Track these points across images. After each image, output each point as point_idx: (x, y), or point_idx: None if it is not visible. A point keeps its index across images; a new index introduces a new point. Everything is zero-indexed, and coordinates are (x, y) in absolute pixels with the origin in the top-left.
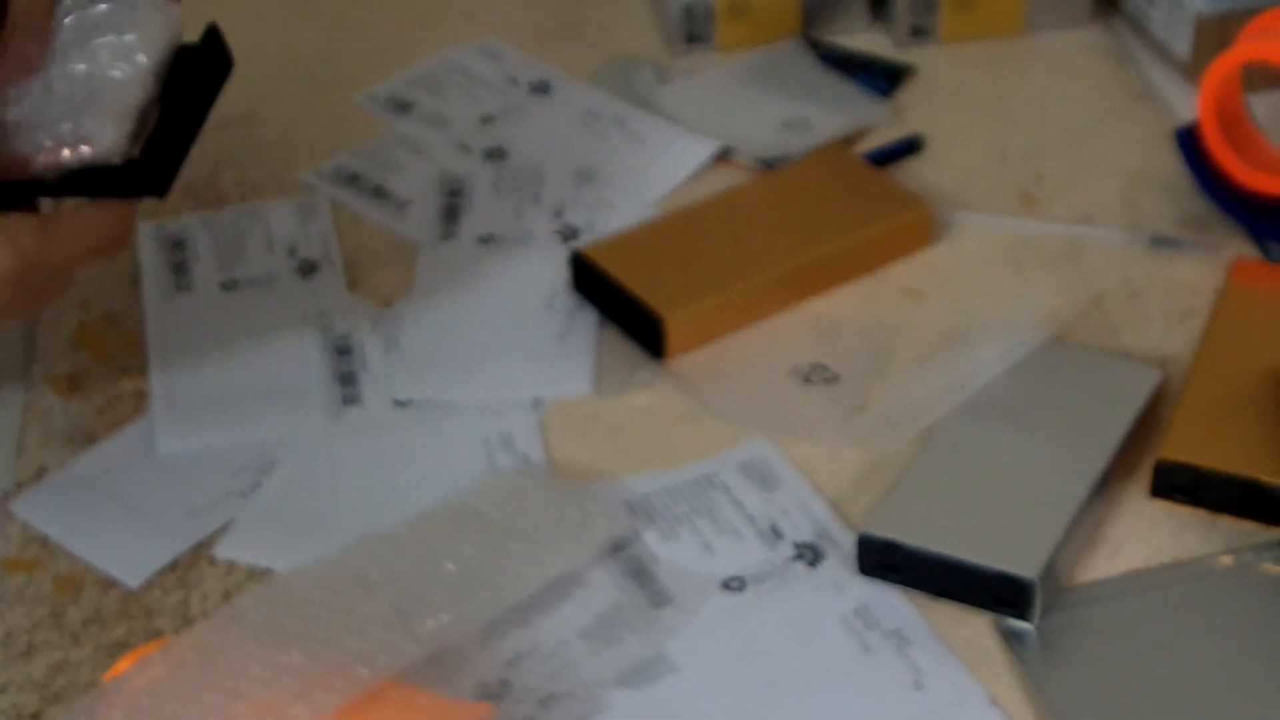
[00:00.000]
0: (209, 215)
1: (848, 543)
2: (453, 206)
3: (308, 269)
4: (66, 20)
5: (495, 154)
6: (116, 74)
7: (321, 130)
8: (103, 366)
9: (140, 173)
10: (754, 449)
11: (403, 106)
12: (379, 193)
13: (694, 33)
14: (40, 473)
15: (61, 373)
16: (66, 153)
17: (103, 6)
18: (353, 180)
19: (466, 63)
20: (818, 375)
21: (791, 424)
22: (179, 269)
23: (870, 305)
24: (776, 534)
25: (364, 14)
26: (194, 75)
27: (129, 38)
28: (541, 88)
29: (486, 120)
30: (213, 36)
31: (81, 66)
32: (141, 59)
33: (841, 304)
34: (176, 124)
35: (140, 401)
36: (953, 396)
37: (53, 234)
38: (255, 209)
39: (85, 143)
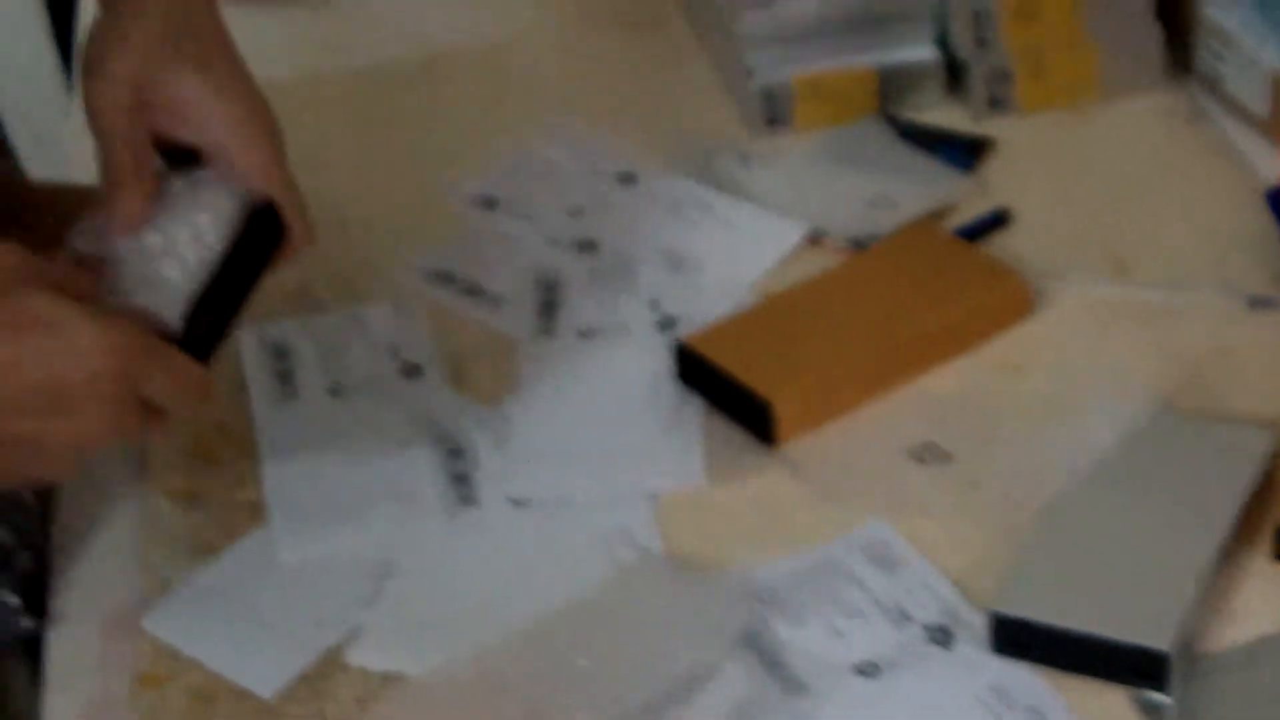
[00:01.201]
0: (309, 319)
1: (977, 621)
2: (549, 301)
3: (411, 370)
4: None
5: (586, 246)
6: (190, 257)
7: (412, 229)
8: (217, 477)
9: (188, 343)
10: (873, 531)
11: (490, 202)
12: (474, 291)
13: (773, 115)
14: (165, 585)
15: (178, 485)
16: (137, 322)
17: (180, 182)
18: (448, 279)
19: (550, 155)
20: (930, 454)
21: (908, 504)
22: (284, 376)
23: (975, 380)
24: (904, 616)
25: (446, 112)
26: (249, 245)
27: (204, 221)
28: (627, 178)
29: (574, 213)
30: (267, 210)
31: (157, 240)
32: (211, 242)
33: (946, 381)
34: (228, 295)
35: (257, 510)
36: (1066, 469)
37: (151, 356)
38: (354, 313)
39: (154, 316)
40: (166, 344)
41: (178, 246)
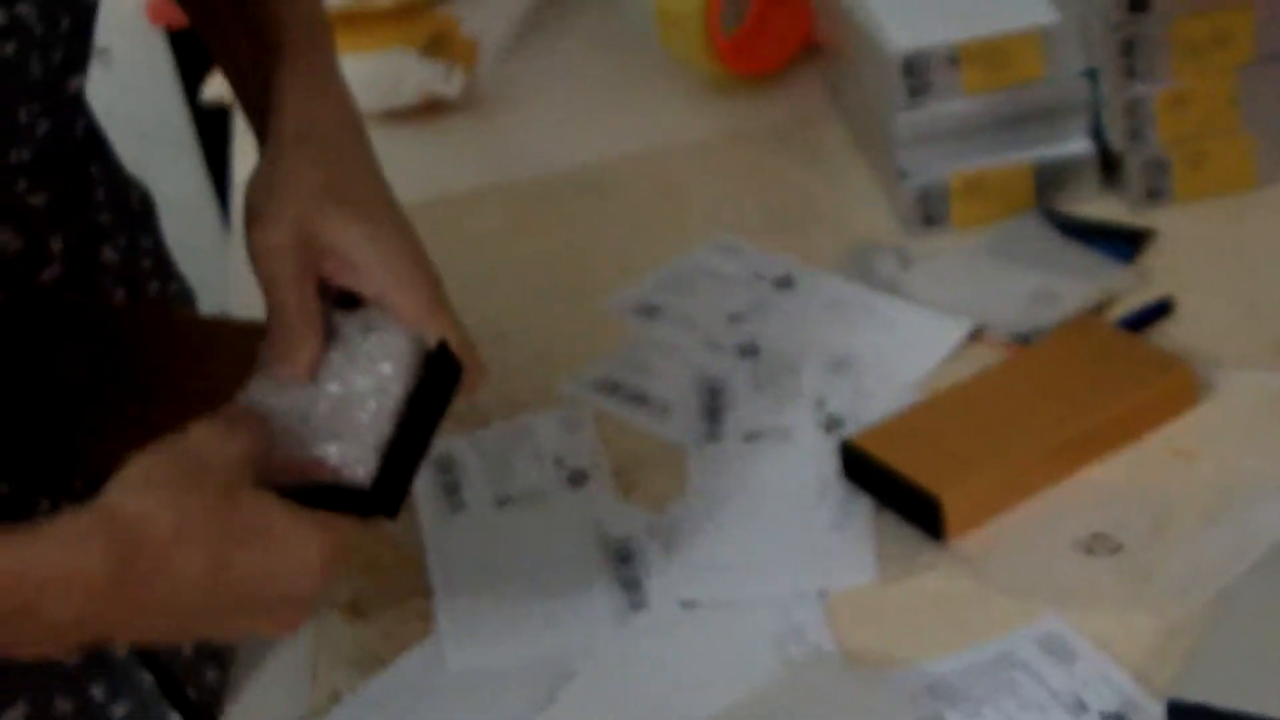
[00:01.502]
0: (474, 433)
1: (1155, 710)
2: (714, 407)
3: (578, 479)
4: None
5: (748, 350)
6: (374, 405)
7: (573, 339)
8: (386, 590)
9: (379, 497)
10: (1046, 623)
11: (650, 311)
12: (639, 399)
13: (930, 214)
14: (334, 697)
15: (346, 599)
16: (326, 474)
17: (351, 326)
18: (612, 388)
19: (708, 262)
20: (1100, 545)
21: (1080, 596)
22: (451, 489)
23: (1143, 470)
24: (1081, 706)
25: (601, 222)
26: (428, 390)
27: (386, 368)
28: (785, 281)
29: (735, 318)
30: (443, 353)
31: (337, 389)
32: (394, 389)
33: (1114, 471)
34: (412, 444)
35: (425, 623)
36: (1242, 557)
37: (329, 527)
38: (520, 424)
39: (345, 469)
40: (356, 525)
41: (361, 394)
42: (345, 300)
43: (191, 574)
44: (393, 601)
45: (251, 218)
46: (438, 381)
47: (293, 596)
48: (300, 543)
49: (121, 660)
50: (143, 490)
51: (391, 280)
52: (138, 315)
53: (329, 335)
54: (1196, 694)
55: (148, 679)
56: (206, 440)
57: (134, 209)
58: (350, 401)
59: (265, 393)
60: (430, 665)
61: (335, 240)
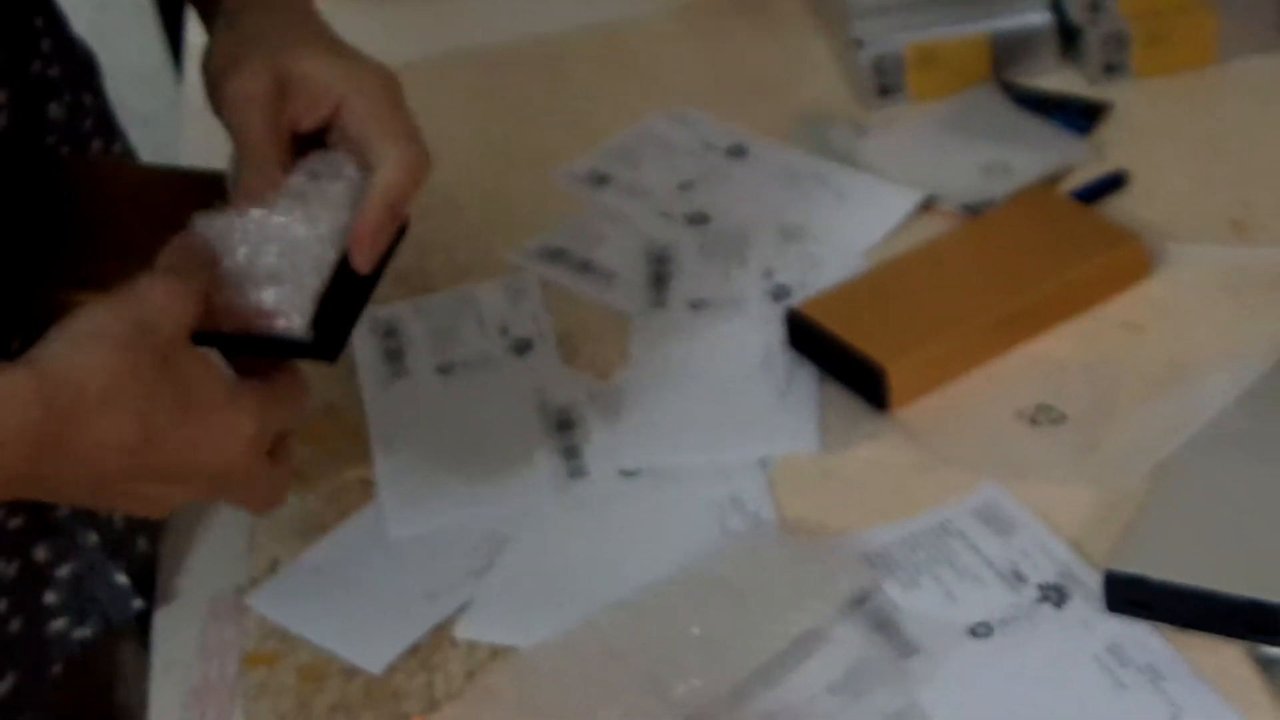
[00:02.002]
0: (419, 301)
1: (1092, 581)
2: (661, 275)
3: (522, 347)
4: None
5: (698, 219)
6: (316, 251)
7: (523, 209)
8: (327, 457)
9: (319, 344)
10: (986, 494)
11: (601, 179)
12: (586, 266)
13: (885, 85)
14: (273, 565)
15: None
16: (262, 322)
17: (304, 176)
18: (559, 256)
19: (660, 131)
20: (1044, 416)
21: (1022, 467)
22: (394, 356)
23: (1091, 342)
24: (1019, 577)
25: (553, 92)
26: None
27: (332, 215)
28: (737, 151)
29: (685, 186)
30: None
31: (284, 234)
32: (339, 239)
33: (1061, 343)
34: (353, 293)
35: (366, 489)
36: (1184, 429)
37: (266, 398)
38: (465, 292)
39: (282, 317)
40: (289, 375)
41: (305, 241)
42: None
43: (118, 439)
44: (333, 469)
45: (223, 70)
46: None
47: (219, 470)
48: (231, 416)
49: (65, 521)
50: (80, 347)
51: (359, 96)
52: (83, 166)
53: (289, 186)
54: (1134, 566)
55: (92, 538)
56: (153, 299)
57: (79, 66)
58: (294, 246)
59: (210, 229)
60: (370, 533)
61: (306, 69)
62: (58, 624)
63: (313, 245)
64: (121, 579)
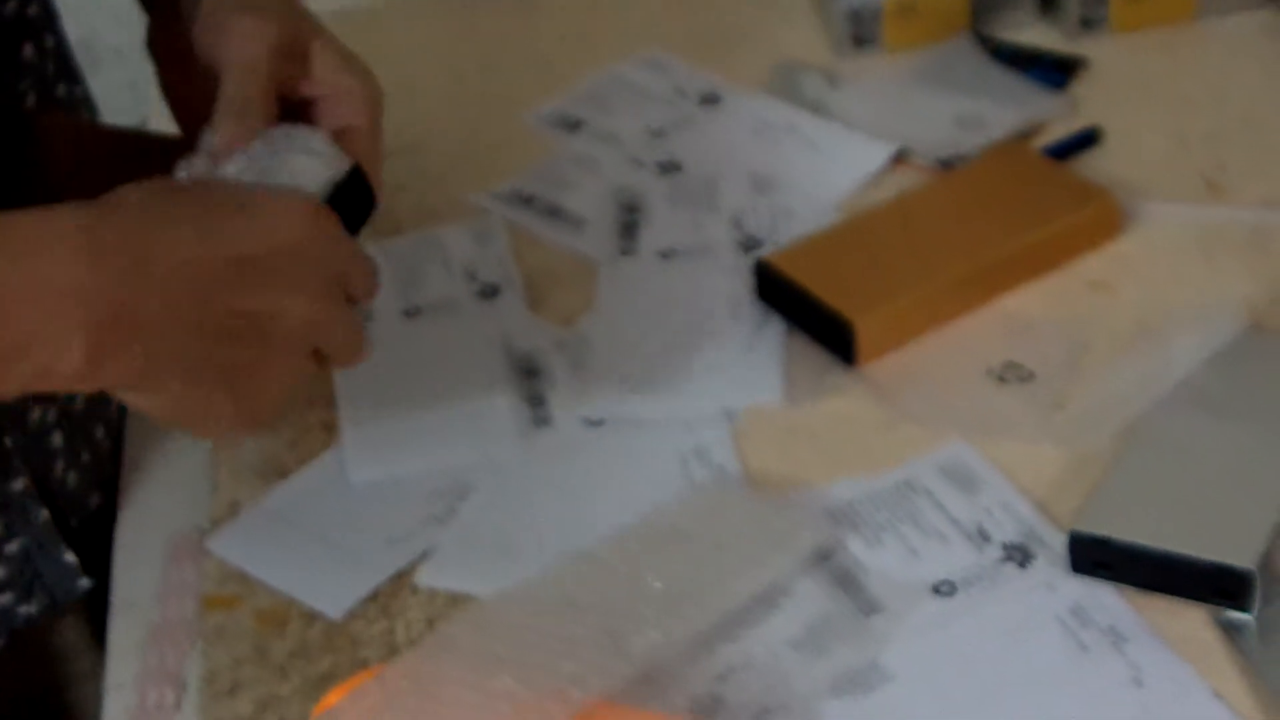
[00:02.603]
0: (386, 243)
1: (1057, 542)
2: (630, 222)
3: (488, 292)
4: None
5: (669, 167)
6: None
7: (492, 152)
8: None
9: None
10: (953, 451)
11: (572, 124)
12: (555, 212)
13: (861, 35)
14: (234, 508)
15: None
16: None
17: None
18: (528, 201)
19: (633, 77)
20: (1012, 374)
21: (989, 425)
22: None
23: (1061, 300)
24: (983, 536)
25: (526, 34)
26: (343, 205)
27: (302, 167)
28: (711, 98)
29: (657, 134)
30: (356, 176)
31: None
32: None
33: (1031, 301)
34: None
35: (329, 433)
36: (1152, 389)
37: (339, 235)
38: (432, 235)
39: None
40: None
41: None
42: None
43: (182, 251)
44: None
45: (239, 6)
46: (349, 205)
47: (277, 264)
48: (267, 203)
49: (18, 496)
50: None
51: (346, 88)
52: (49, 122)
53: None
54: (1098, 527)
55: (43, 514)
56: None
57: (48, 7)
58: None
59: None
60: (332, 477)
61: (328, 48)
62: (3, 600)
63: None
64: (70, 557)
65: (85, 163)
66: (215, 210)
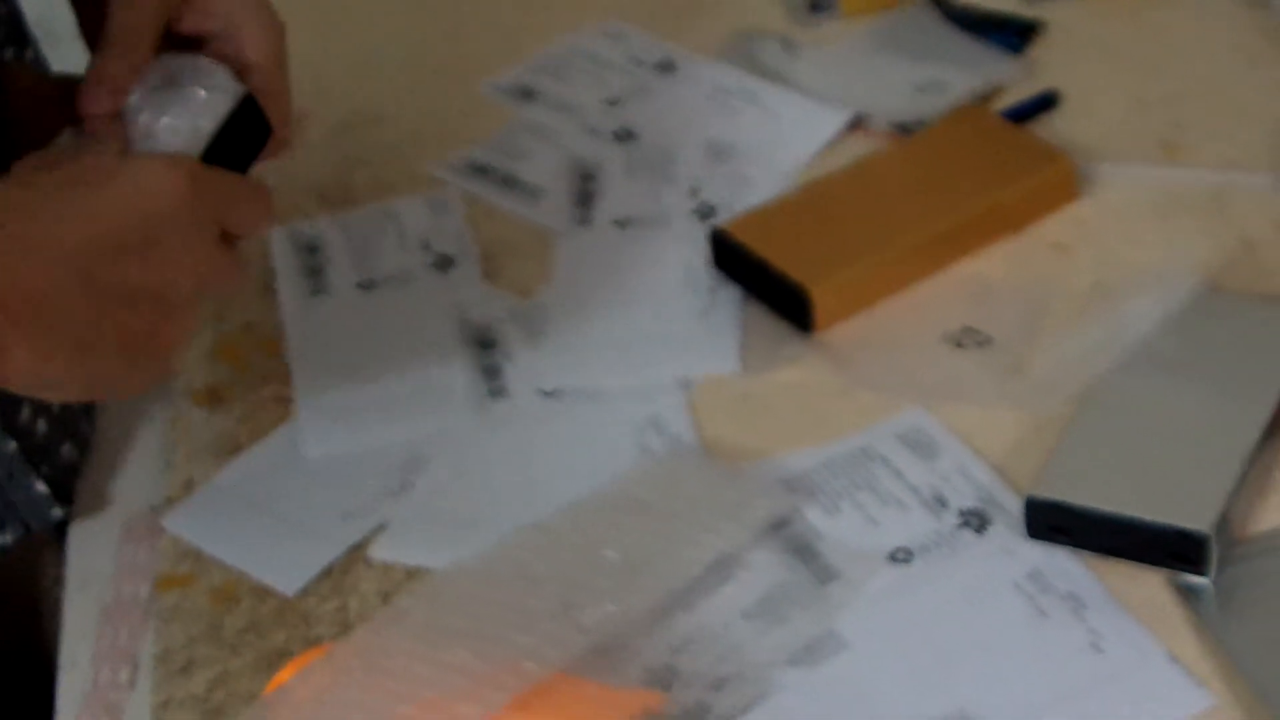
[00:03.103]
0: (341, 216)
1: (1014, 507)
2: (586, 192)
3: (444, 264)
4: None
5: (625, 136)
6: (175, 141)
7: (448, 123)
8: (244, 375)
9: None
10: (910, 418)
11: (528, 94)
12: (511, 182)
13: (818, 1)
14: (188, 486)
15: (202, 385)
16: None
17: (174, 64)
18: (483, 171)
19: (589, 46)
20: (969, 339)
21: (946, 390)
22: (314, 272)
23: (1018, 264)
24: (940, 502)
25: (482, 4)
26: (234, 137)
27: (193, 102)
28: (667, 66)
29: (613, 103)
30: (248, 104)
31: (147, 118)
32: (203, 124)
33: (988, 265)
34: None
35: (284, 408)
36: (1109, 352)
37: (216, 182)
38: (387, 207)
39: None
40: (247, 179)
41: (165, 129)
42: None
43: (59, 231)
44: (250, 386)
45: None
46: (242, 135)
47: (158, 232)
48: (140, 170)
49: None
50: None
51: (242, 18)
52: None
53: (153, 73)
54: (1055, 492)
55: (11, 446)
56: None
57: None
58: (151, 135)
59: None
60: (287, 452)
61: None
62: None
63: (169, 136)
64: (41, 487)
65: (41, 110)
66: (87, 187)
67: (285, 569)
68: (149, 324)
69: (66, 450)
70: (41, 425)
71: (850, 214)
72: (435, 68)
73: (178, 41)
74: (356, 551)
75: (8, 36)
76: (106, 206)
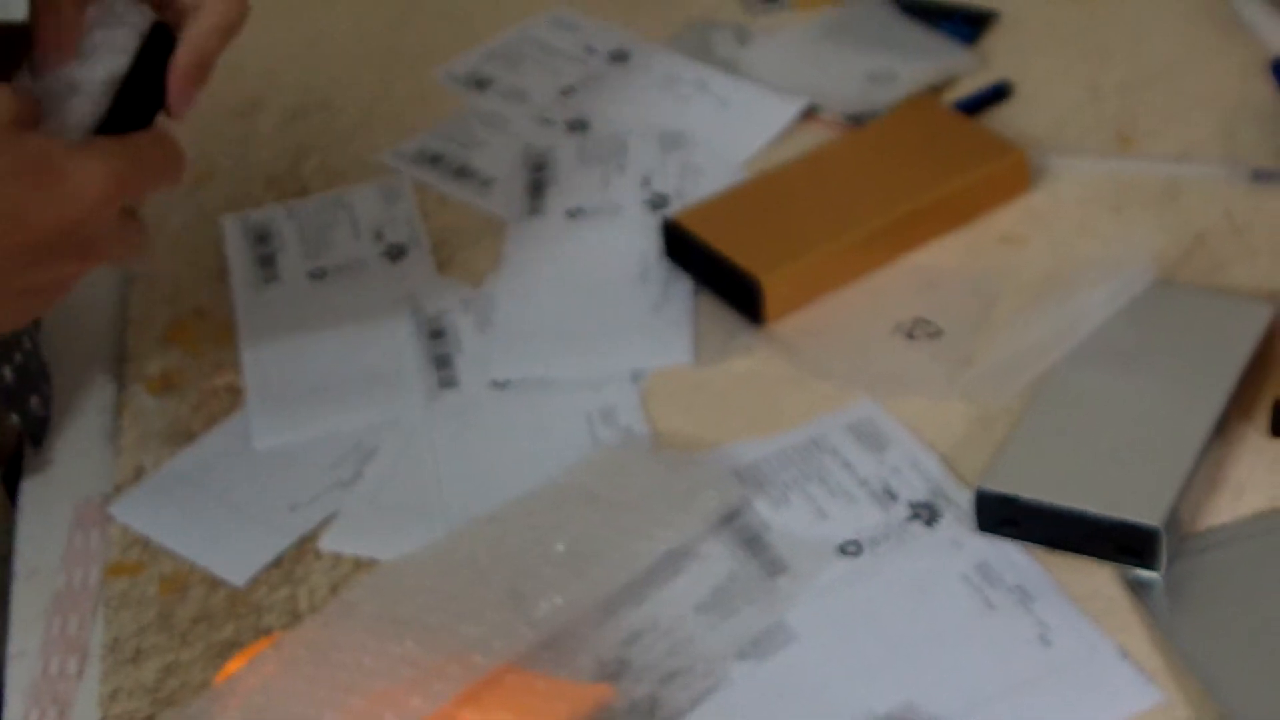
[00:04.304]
0: (293, 205)
1: (964, 500)
2: (538, 181)
3: (396, 253)
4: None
5: (577, 125)
6: (97, 78)
7: (400, 111)
8: (195, 362)
9: None
10: (860, 409)
11: (481, 83)
12: (463, 172)
13: None
14: (138, 473)
15: (154, 371)
16: None
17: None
18: (435, 160)
19: (542, 35)
20: (921, 330)
21: (897, 382)
22: (266, 261)
23: (970, 255)
24: (890, 495)
25: None
26: (144, 72)
27: (103, 41)
28: (620, 55)
29: (566, 92)
30: (159, 30)
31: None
32: (122, 61)
33: (940, 256)
34: (128, 119)
35: (235, 396)
36: (1061, 344)
37: (136, 162)
38: (339, 195)
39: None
40: (151, 136)
41: (78, 80)
42: None
43: None
44: (201, 374)
45: None
46: (153, 61)
47: (83, 233)
48: (77, 168)
49: None
50: None
51: None
52: None
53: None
54: (1004, 485)
55: None
56: None
57: None
58: (73, 88)
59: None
60: (237, 441)
61: None
62: None
63: (86, 85)
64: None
65: None
66: (25, 177)
67: (234, 559)
68: (47, 296)
69: (35, 401)
70: (9, 375)
71: (802, 205)
72: (387, 55)
73: None
74: (307, 542)
75: None
76: (39, 214)
